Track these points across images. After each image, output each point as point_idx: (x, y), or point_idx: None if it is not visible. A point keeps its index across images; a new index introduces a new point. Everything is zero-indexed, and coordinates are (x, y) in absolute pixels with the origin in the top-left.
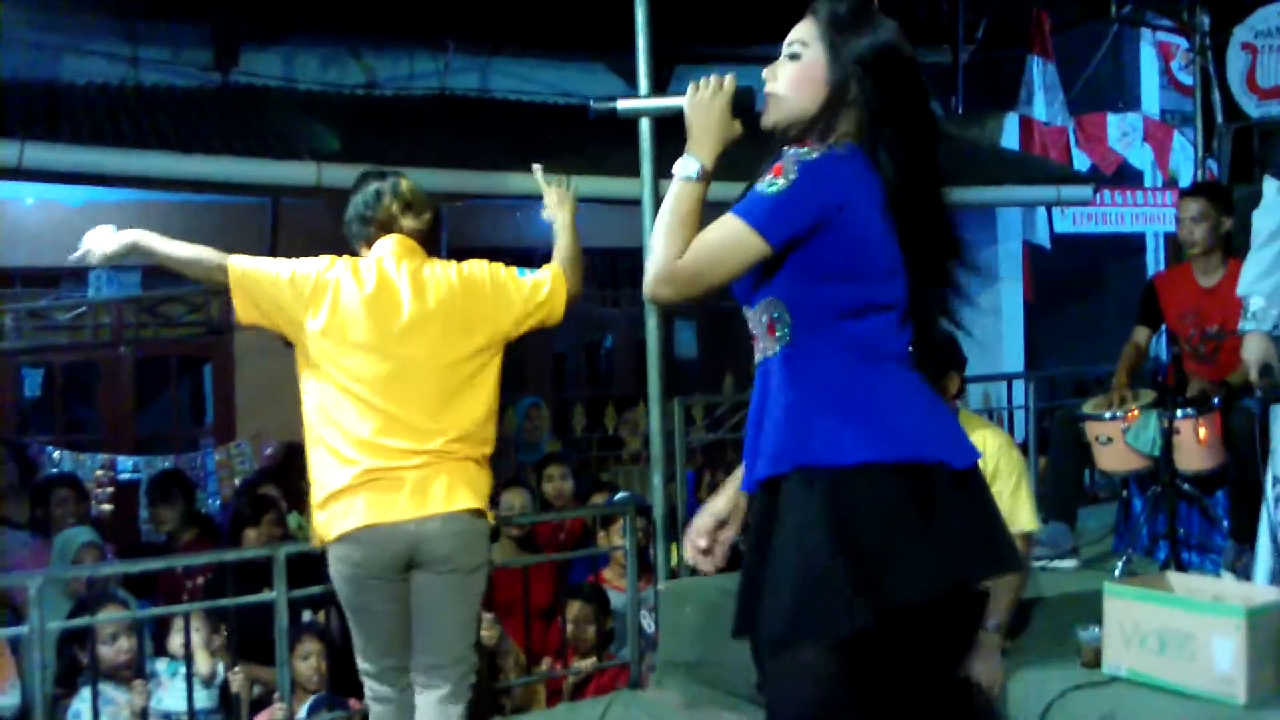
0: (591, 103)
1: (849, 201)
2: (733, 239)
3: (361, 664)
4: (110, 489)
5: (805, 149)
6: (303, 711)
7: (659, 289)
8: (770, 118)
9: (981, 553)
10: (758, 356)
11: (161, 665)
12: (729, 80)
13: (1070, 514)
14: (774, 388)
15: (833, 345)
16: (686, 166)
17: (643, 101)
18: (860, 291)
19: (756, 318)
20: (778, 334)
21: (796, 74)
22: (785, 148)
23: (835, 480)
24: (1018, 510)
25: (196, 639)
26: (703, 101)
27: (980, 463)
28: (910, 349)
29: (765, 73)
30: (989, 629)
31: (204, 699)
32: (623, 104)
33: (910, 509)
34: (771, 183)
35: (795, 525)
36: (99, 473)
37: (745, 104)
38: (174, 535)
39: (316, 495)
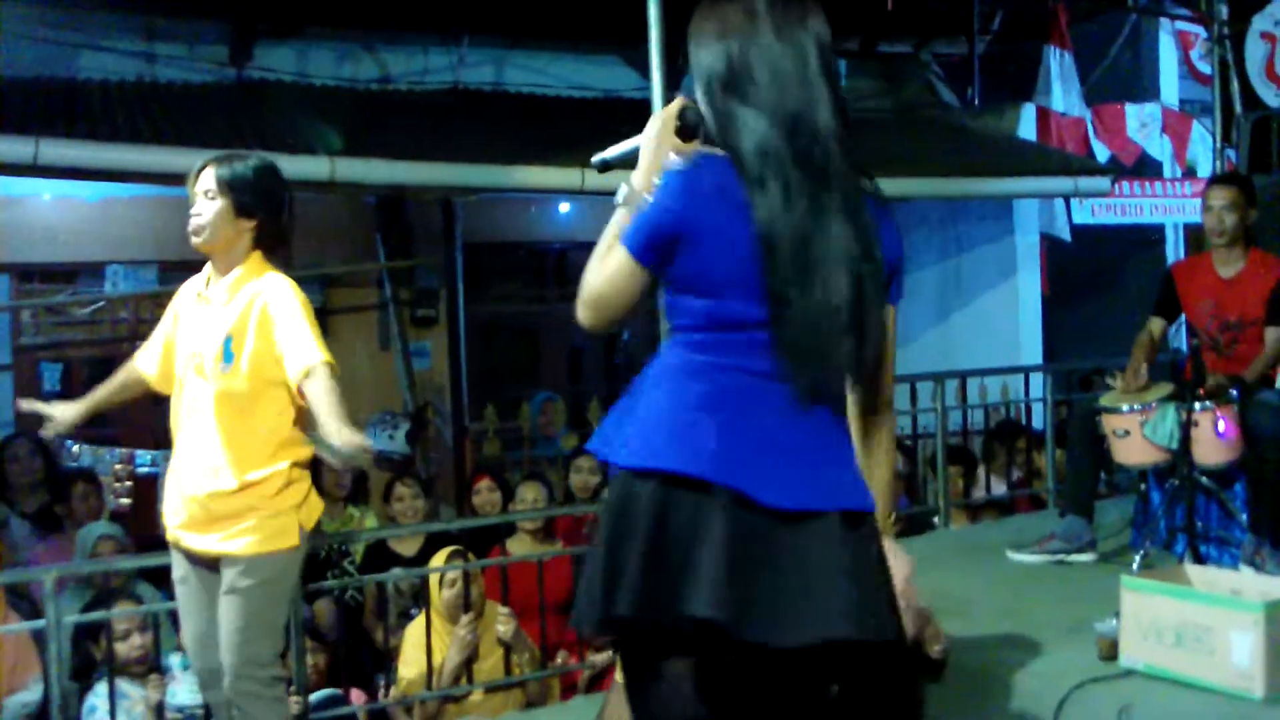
0: (593, 159)
1: (696, 215)
2: (619, 265)
3: (278, 666)
4: (129, 483)
5: (677, 161)
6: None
7: (579, 313)
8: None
9: (785, 608)
10: None
11: (175, 659)
12: (675, 103)
13: (1088, 507)
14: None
15: (679, 354)
16: (620, 191)
17: (623, 145)
18: (710, 306)
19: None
20: (666, 334)
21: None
22: None
23: (619, 478)
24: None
25: None
26: (651, 128)
27: None
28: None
29: None
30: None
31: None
32: (609, 152)
33: (654, 524)
34: (645, 202)
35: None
36: (118, 467)
37: (688, 123)
38: None
39: (303, 491)
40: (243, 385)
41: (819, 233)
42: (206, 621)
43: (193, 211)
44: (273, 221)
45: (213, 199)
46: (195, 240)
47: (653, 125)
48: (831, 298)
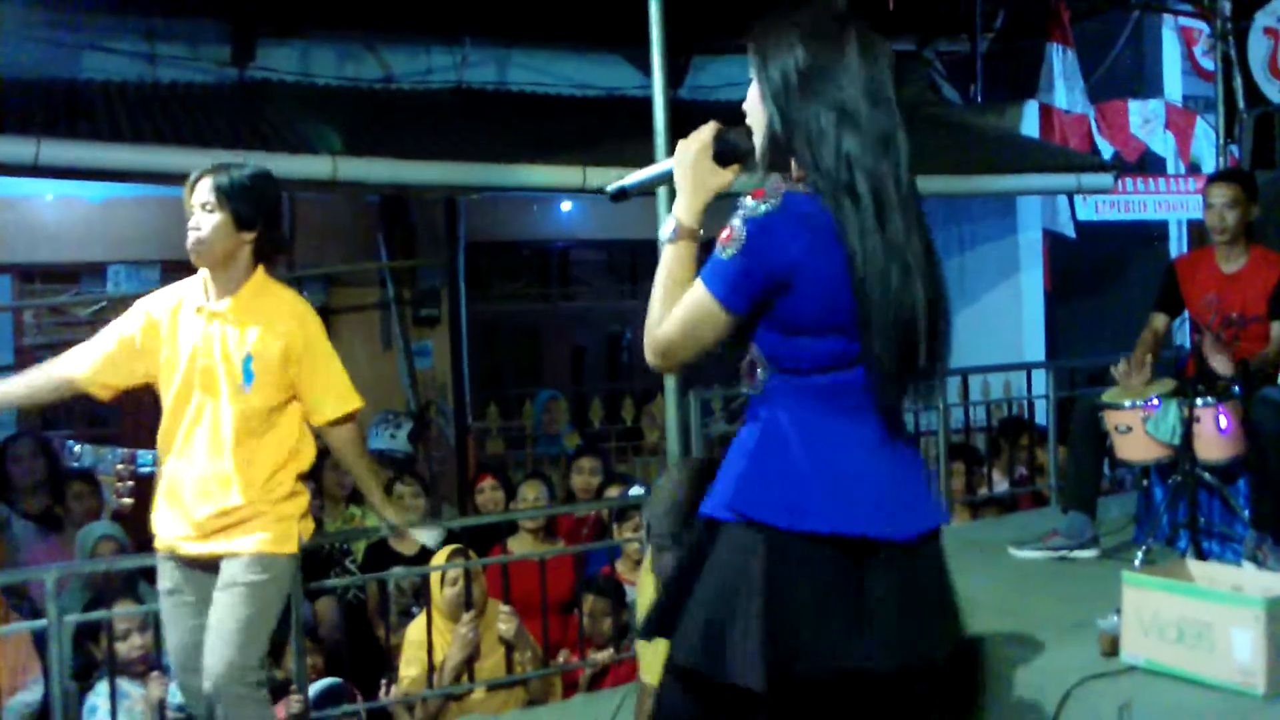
0: (607, 189)
1: (799, 260)
2: (701, 310)
3: (263, 670)
4: (131, 482)
5: (754, 202)
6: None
7: (651, 360)
8: (756, 142)
9: (896, 638)
10: (744, 390)
11: None
12: (707, 128)
13: (1090, 503)
14: (744, 428)
15: (795, 398)
16: (665, 227)
17: (642, 172)
18: (824, 345)
19: (748, 356)
20: (758, 376)
21: (751, 100)
22: (739, 201)
23: (769, 538)
24: None
25: None
26: (684, 156)
27: None
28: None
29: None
30: None
31: None
32: (628, 180)
33: (823, 586)
34: (725, 247)
35: (726, 559)
36: (120, 466)
37: (727, 148)
38: None
39: (305, 502)
40: (262, 405)
41: (905, 254)
42: (196, 631)
43: (191, 225)
44: (273, 231)
45: (211, 212)
46: (196, 256)
47: (684, 153)
48: (916, 319)
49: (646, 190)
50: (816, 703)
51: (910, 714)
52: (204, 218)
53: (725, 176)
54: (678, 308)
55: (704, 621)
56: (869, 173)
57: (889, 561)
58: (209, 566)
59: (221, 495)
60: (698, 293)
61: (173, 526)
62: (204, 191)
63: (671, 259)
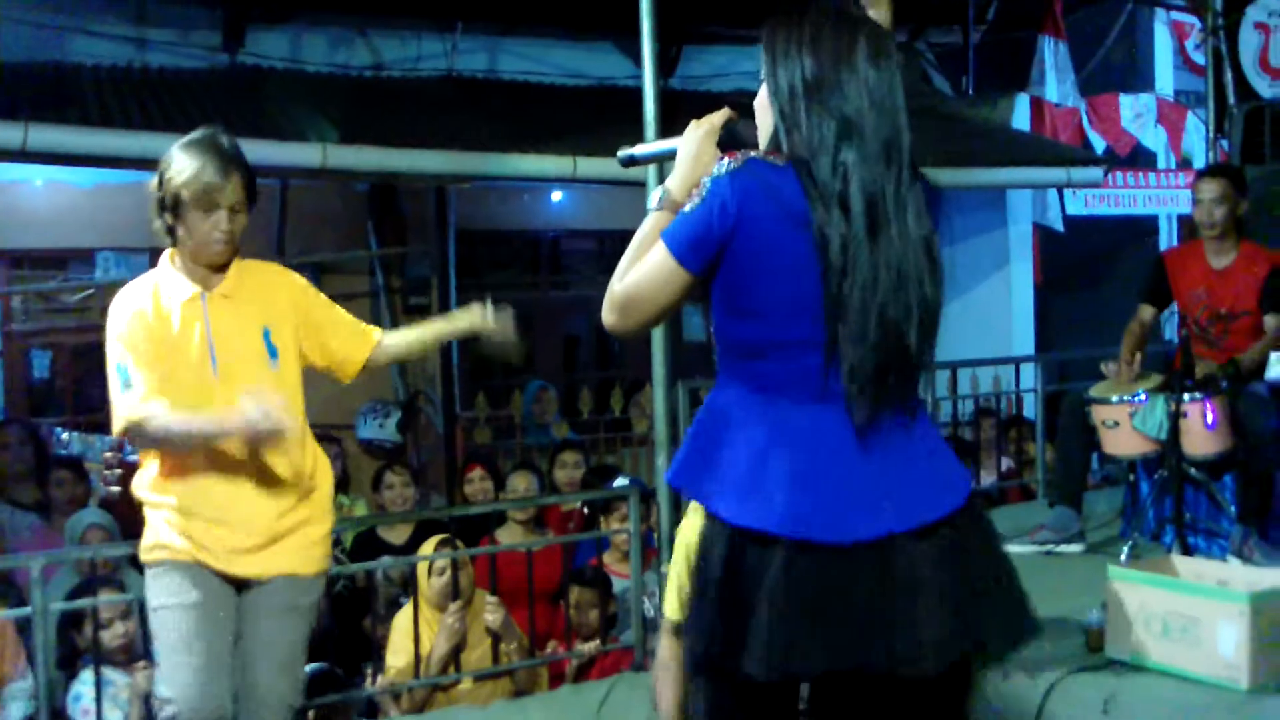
0: (618, 154)
1: (746, 219)
2: (658, 266)
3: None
4: (119, 470)
5: (726, 160)
6: None
7: (606, 316)
8: (761, 141)
9: (823, 640)
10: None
11: None
12: (720, 114)
13: (1076, 498)
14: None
15: (736, 382)
16: (654, 196)
17: (655, 144)
18: (764, 329)
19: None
20: (714, 359)
21: (760, 101)
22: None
23: (719, 530)
24: None
25: None
26: (692, 134)
27: None
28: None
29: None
30: None
31: None
32: (638, 149)
33: (744, 575)
34: (690, 202)
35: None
36: (108, 454)
37: (733, 137)
38: None
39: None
40: (292, 381)
41: (894, 257)
42: (224, 652)
43: (219, 226)
44: None
45: (238, 213)
46: (215, 255)
47: (693, 132)
48: (898, 332)
49: (654, 161)
50: (743, 695)
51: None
52: (236, 220)
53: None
54: (640, 263)
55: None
56: (866, 184)
57: (820, 563)
58: (240, 586)
59: (273, 497)
60: (657, 249)
61: (208, 540)
62: (237, 192)
63: (650, 224)
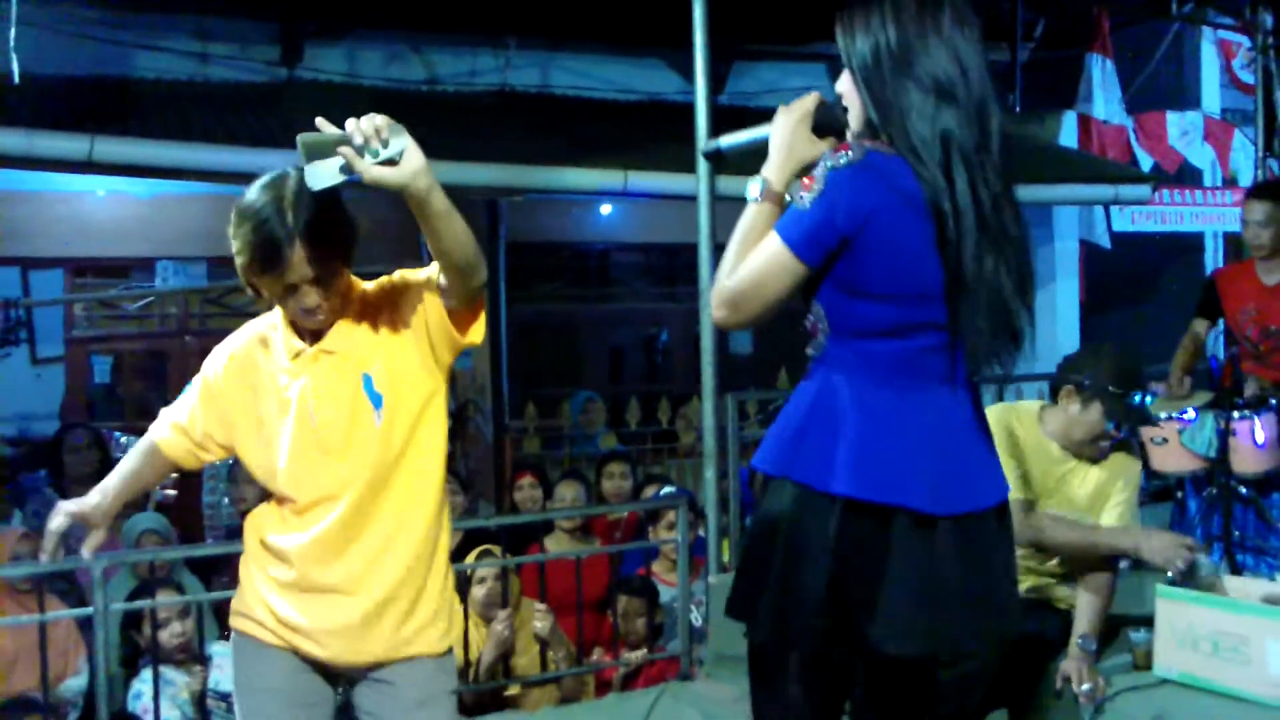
0: (703, 147)
1: (874, 214)
2: (773, 260)
3: None
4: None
5: (838, 155)
6: None
7: (716, 312)
8: (853, 124)
9: (939, 615)
10: (808, 350)
11: (217, 647)
12: (811, 98)
13: None
14: (801, 387)
15: (853, 362)
16: (752, 187)
17: (742, 134)
18: (888, 312)
19: (810, 316)
20: (818, 338)
21: (844, 85)
22: (824, 153)
23: (798, 496)
24: (1135, 513)
25: None
26: (783, 121)
27: (1109, 467)
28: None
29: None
30: (1078, 643)
31: None
32: (725, 140)
33: (862, 554)
34: (803, 197)
35: (770, 522)
36: None
37: (828, 120)
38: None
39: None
40: (399, 426)
41: (999, 225)
42: None
43: (305, 304)
44: None
45: (320, 282)
46: (315, 325)
47: (784, 118)
48: (1009, 288)
49: (743, 152)
50: (823, 667)
51: (933, 699)
52: (322, 289)
53: (819, 147)
54: (750, 258)
55: (742, 573)
56: (964, 148)
57: (927, 536)
58: (332, 678)
59: (381, 578)
60: (772, 243)
61: (302, 622)
62: (303, 266)
63: (753, 216)
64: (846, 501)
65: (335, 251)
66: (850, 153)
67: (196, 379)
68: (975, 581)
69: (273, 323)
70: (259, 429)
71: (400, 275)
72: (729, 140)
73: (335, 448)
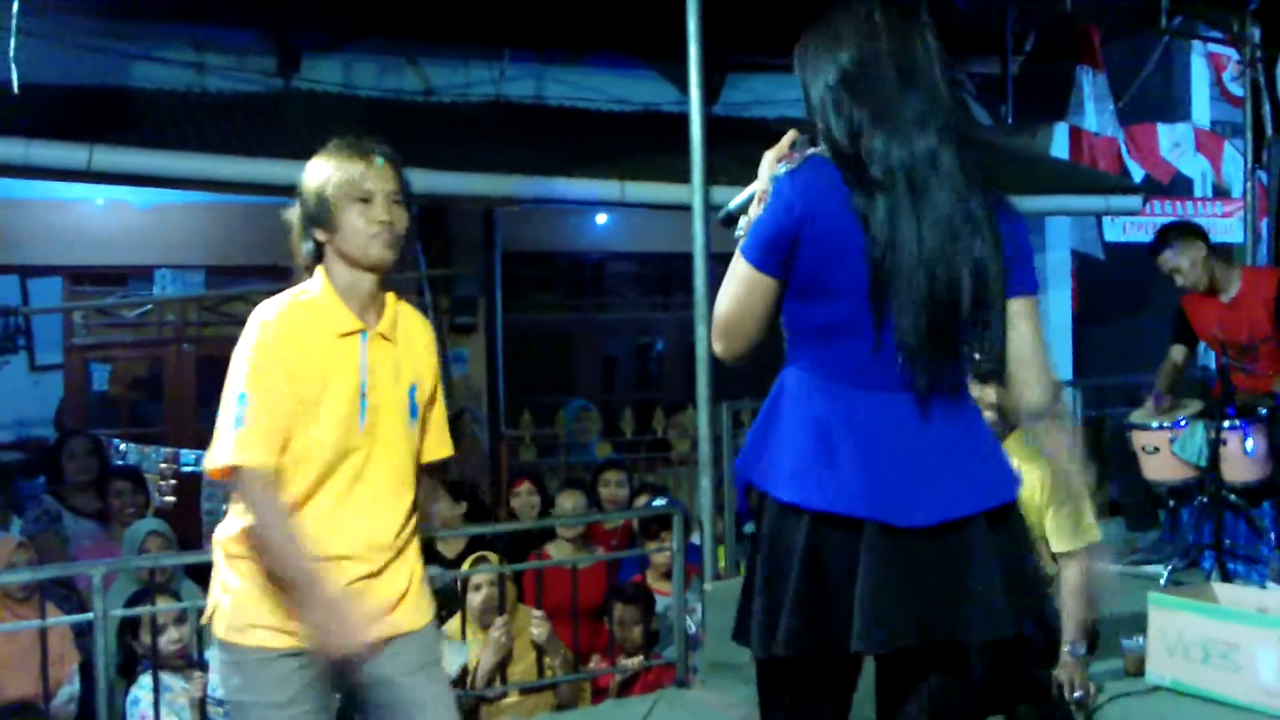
0: (718, 216)
1: (813, 212)
2: (741, 281)
3: None
4: (173, 481)
5: (785, 162)
6: None
7: (716, 348)
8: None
9: (896, 617)
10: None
11: (213, 653)
12: (788, 135)
13: (1154, 518)
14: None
15: (803, 364)
16: (739, 225)
17: (740, 195)
18: (827, 311)
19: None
20: (785, 346)
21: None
22: None
23: (774, 511)
24: (1080, 525)
25: None
26: (764, 162)
27: (1026, 490)
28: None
29: None
30: (1067, 650)
31: None
32: (732, 204)
33: (811, 561)
34: (758, 207)
35: (757, 538)
36: (163, 465)
37: (801, 150)
38: None
39: None
40: (417, 441)
41: (940, 219)
42: None
43: (380, 217)
44: None
45: (399, 204)
46: (380, 260)
47: (765, 160)
48: (948, 295)
49: (749, 204)
50: (795, 673)
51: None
52: (395, 213)
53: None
54: (725, 285)
55: (741, 596)
56: (902, 159)
57: (914, 547)
58: (341, 669)
59: (393, 556)
60: (738, 264)
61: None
62: (390, 177)
63: (737, 255)
64: (814, 515)
65: (409, 195)
66: (794, 161)
67: (251, 389)
68: (948, 588)
69: (313, 301)
70: (314, 408)
71: (434, 345)
72: (735, 201)
73: (377, 427)
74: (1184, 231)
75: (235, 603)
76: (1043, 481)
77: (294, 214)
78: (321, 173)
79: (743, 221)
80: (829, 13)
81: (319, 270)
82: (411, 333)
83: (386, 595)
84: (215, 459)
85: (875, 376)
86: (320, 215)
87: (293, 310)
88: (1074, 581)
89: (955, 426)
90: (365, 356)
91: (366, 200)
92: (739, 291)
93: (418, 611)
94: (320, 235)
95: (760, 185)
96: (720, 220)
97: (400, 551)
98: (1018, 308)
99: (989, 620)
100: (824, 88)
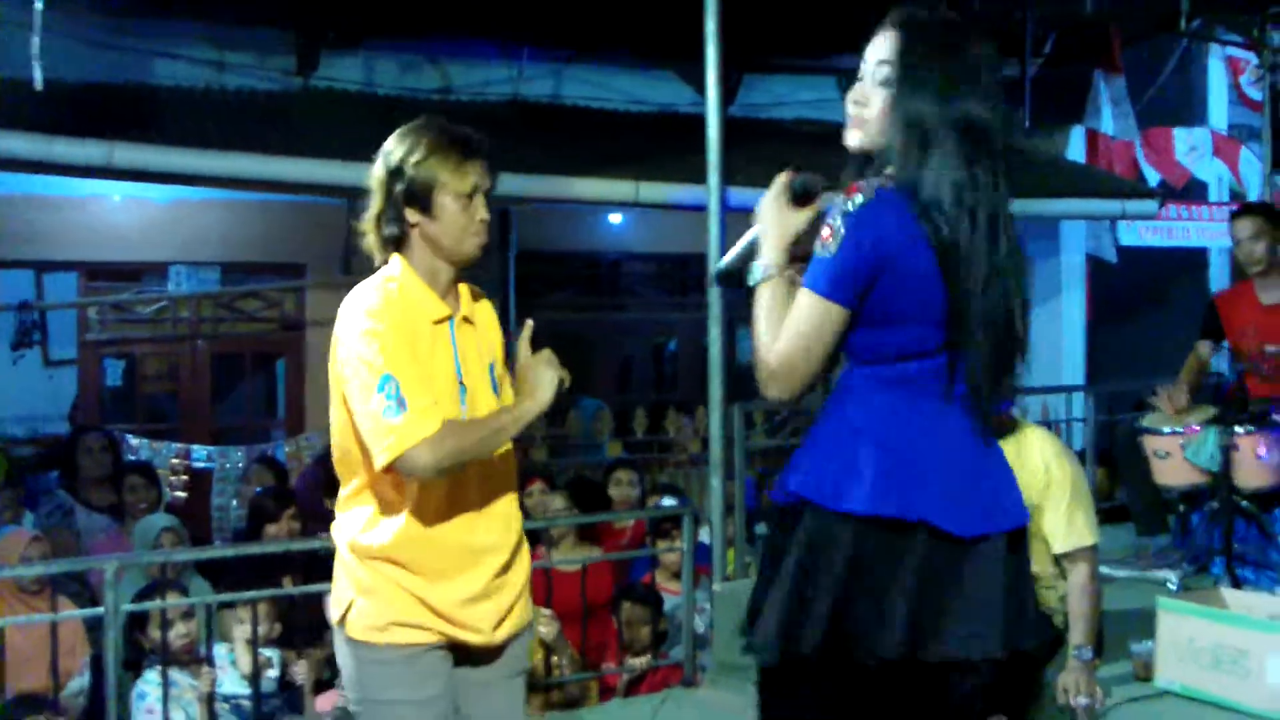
0: (711, 275)
1: (895, 245)
2: (813, 316)
3: None
4: (185, 477)
5: (849, 197)
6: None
7: (769, 389)
8: (854, 140)
9: (955, 627)
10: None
11: (222, 650)
12: (781, 177)
13: (1164, 524)
14: (820, 418)
15: (868, 385)
16: (755, 270)
17: (736, 246)
18: (897, 337)
19: None
20: (835, 368)
21: (875, 101)
22: (832, 202)
23: (818, 516)
24: (1075, 524)
25: (244, 631)
26: (763, 206)
27: (1031, 475)
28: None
29: (854, 93)
30: (1074, 654)
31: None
32: (724, 260)
33: (871, 567)
34: (825, 246)
35: (790, 547)
36: (174, 461)
37: (801, 191)
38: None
39: None
40: None
41: (1000, 261)
42: None
43: (482, 214)
44: None
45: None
46: (477, 255)
47: (763, 202)
48: (1005, 316)
49: (745, 259)
50: (834, 682)
51: (947, 712)
52: (484, 209)
53: (803, 215)
54: (788, 322)
55: (752, 599)
56: (986, 200)
57: (955, 556)
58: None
59: (515, 554)
60: (805, 299)
61: (465, 606)
62: (489, 176)
63: (769, 294)
64: (861, 519)
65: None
66: (862, 194)
67: (392, 372)
68: (982, 597)
69: (404, 290)
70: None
71: (496, 319)
72: (728, 258)
73: (476, 411)
74: (1262, 210)
75: (375, 602)
76: (1035, 482)
77: (377, 186)
78: (423, 155)
79: (758, 269)
80: (952, 21)
81: (397, 257)
82: (481, 311)
83: (516, 587)
84: (388, 456)
85: (939, 391)
86: (423, 199)
87: (392, 296)
88: (1080, 582)
89: (994, 445)
90: (456, 342)
91: (470, 196)
92: (807, 325)
93: (528, 608)
94: (414, 218)
95: (763, 222)
96: (715, 278)
97: (520, 538)
98: None
99: (1020, 633)
100: (924, 115)
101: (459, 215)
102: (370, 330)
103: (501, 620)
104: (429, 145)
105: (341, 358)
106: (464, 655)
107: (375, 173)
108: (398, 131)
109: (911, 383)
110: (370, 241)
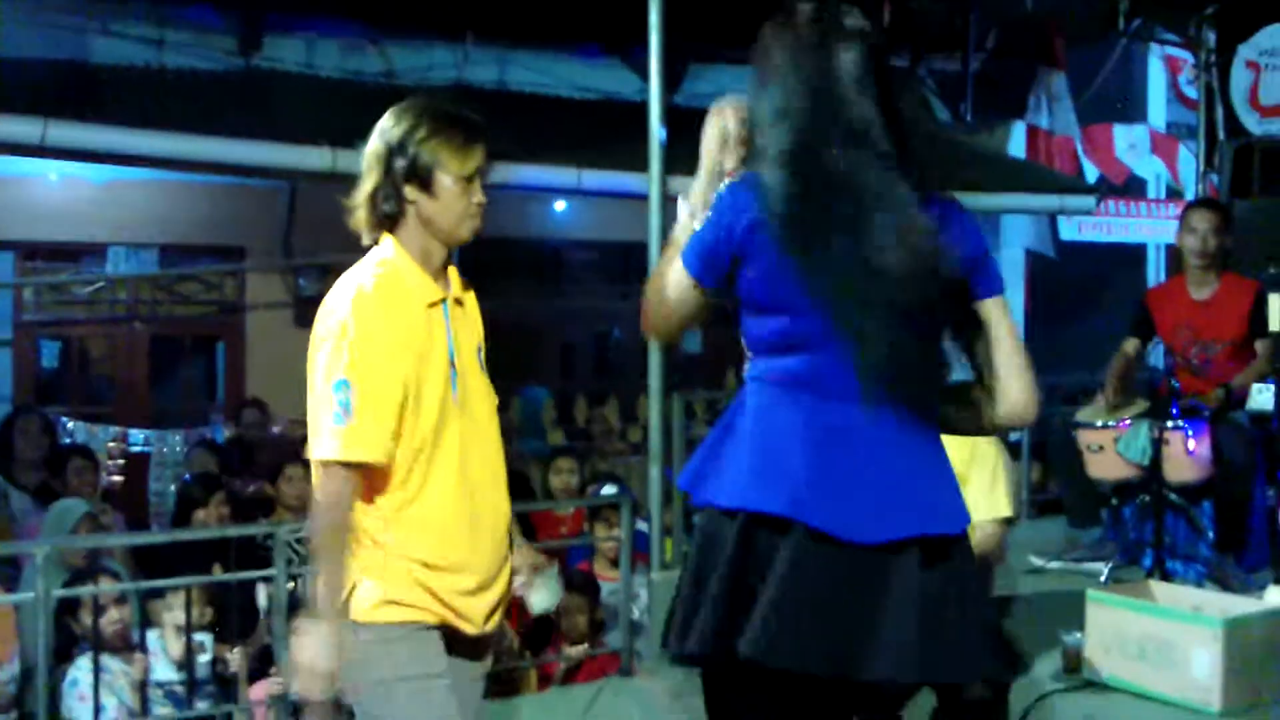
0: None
1: (753, 228)
2: (676, 283)
3: None
4: (122, 460)
5: (729, 179)
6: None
7: (644, 329)
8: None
9: (845, 642)
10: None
11: (153, 636)
12: (722, 112)
13: (1096, 516)
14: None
15: (763, 379)
16: (681, 206)
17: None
18: (780, 325)
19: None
20: (746, 360)
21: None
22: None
23: (711, 514)
24: (995, 497)
25: (175, 617)
26: (703, 139)
27: (956, 450)
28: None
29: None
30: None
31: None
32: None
33: (746, 566)
34: (702, 217)
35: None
36: (111, 444)
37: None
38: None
39: None
40: (496, 400)
41: (874, 235)
42: None
43: (478, 200)
44: None
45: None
46: (469, 233)
47: (705, 134)
48: (903, 303)
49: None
50: (725, 682)
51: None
52: (481, 193)
53: (725, 162)
54: (656, 282)
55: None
56: (837, 175)
57: (848, 561)
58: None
59: (506, 545)
60: (675, 265)
61: (464, 596)
62: (486, 159)
63: (677, 232)
64: (748, 516)
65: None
66: (735, 176)
67: (352, 376)
68: (868, 614)
69: (399, 272)
70: (418, 388)
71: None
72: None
73: (468, 394)
74: (1222, 207)
75: (384, 582)
76: (960, 453)
77: (374, 162)
78: (427, 133)
79: (682, 202)
80: (769, 29)
81: (389, 238)
82: (468, 295)
83: (504, 583)
84: (322, 453)
85: (831, 385)
86: (424, 177)
87: (386, 283)
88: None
89: (909, 446)
90: (450, 324)
91: (470, 179)
92: (669, 287)
93: (507, 602)
94: (414, 195)
95: (701, 159)
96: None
97: (510, 532)
98: (984, 312)
99: (895, 662)
100: (763, 105)
101: (459, 197)
102: (349, 324)
103: (491, 613)
104: (433, 124)
105: (318, 334)
106: (449, 646)
107: (372, 148)
108: (394, 109)
109: (799, 380)
110: (360, 218)
